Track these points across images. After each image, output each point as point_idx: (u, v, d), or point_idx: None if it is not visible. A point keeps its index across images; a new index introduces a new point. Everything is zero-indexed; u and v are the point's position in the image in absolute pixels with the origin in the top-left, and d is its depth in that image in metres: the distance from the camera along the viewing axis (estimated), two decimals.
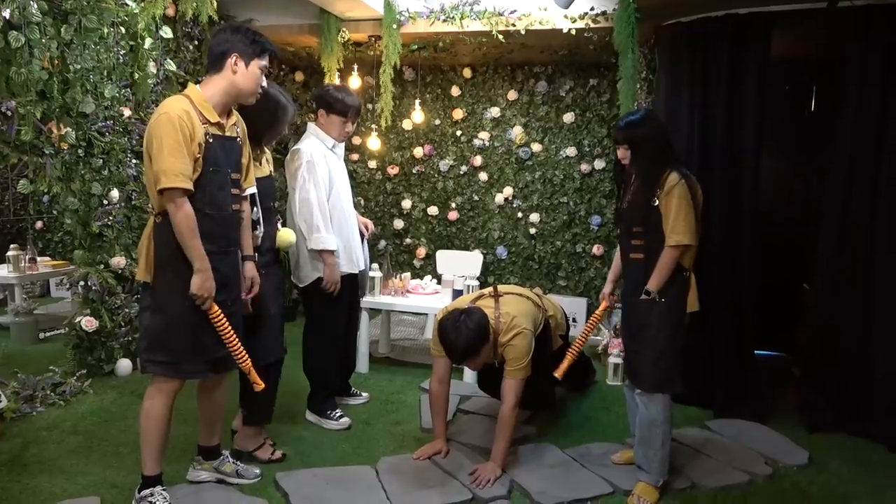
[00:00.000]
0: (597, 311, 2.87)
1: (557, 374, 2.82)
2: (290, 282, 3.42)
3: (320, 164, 2.94)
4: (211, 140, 2.16)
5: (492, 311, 2.72)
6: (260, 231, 2.59)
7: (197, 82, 2.27)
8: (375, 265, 4.05)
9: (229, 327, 2.21)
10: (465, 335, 2.54)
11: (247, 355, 2.28)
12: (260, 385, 2.34)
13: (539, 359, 2.78)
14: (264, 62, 2.24)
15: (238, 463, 2.58)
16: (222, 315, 2.19)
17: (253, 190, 2.44)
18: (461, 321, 2.57)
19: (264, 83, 2.30)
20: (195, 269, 2.11)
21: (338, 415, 3.14)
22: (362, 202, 5.74)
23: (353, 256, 3.14)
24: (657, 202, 2.39)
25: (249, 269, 2.45)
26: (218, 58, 2.18)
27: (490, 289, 2.93)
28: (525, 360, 2.65)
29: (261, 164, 2.63)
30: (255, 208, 2.57)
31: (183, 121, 2.07)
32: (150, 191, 2.16)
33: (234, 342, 2.23)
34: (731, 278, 3.38)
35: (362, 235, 3.34)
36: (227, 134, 2.25)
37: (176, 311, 2.16)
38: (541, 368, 2.80)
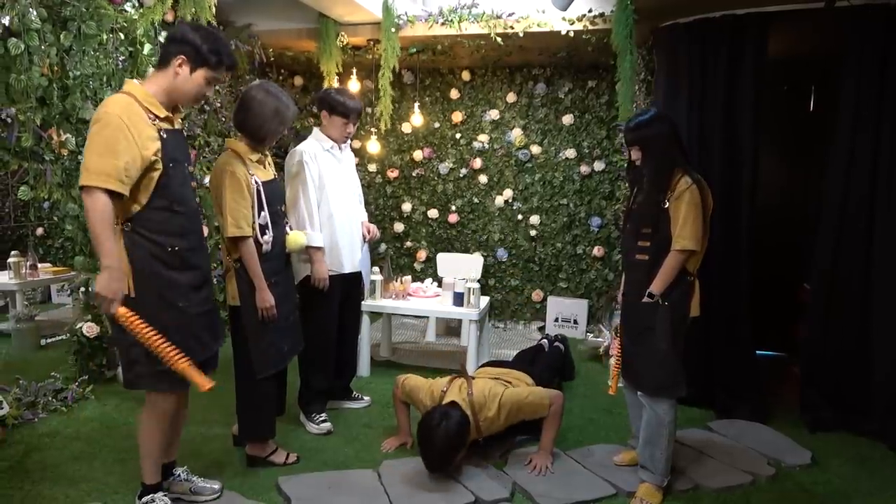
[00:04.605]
0: None
1: (611, 391, 2.80)
2: None
3: (311, 163, 3.01)
4: (165, 135, 2.05)
5: (464, 392, 2.74)
6: (268, 236, 2.55)
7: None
8: (376, 268, 4.05)
9: (152, 332, 2.00)
10: (441, 442, 2.50)
11: (176, 357, 2.05)
12: (203, 387, 2.09)
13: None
14: (214, 73, 2.11)
15: (193, 479, 2.44)
16: (139, 320, 1.99)
17: None
18: (440, 427, 2.51)
19: (209, 93, 2.19)
20: (103, 265, 1.92)
21: (321, 419, 3.11)
22: None
23: (340, 257, 3.15)
24: (667, 204, 2.38)
25: None
26: (166, 55, 2.07)
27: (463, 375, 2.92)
28: (538, 399, 2.75)
29: (265, 167, 2.62)
30: (262, 212, 2.51)
31: (122, 120, 1.93)
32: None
33: (160, 344, 2.02)
34: (730, 278, 3.38)
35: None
36: (177, 127, 2.15)
37: (163, 322, 2.05)
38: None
